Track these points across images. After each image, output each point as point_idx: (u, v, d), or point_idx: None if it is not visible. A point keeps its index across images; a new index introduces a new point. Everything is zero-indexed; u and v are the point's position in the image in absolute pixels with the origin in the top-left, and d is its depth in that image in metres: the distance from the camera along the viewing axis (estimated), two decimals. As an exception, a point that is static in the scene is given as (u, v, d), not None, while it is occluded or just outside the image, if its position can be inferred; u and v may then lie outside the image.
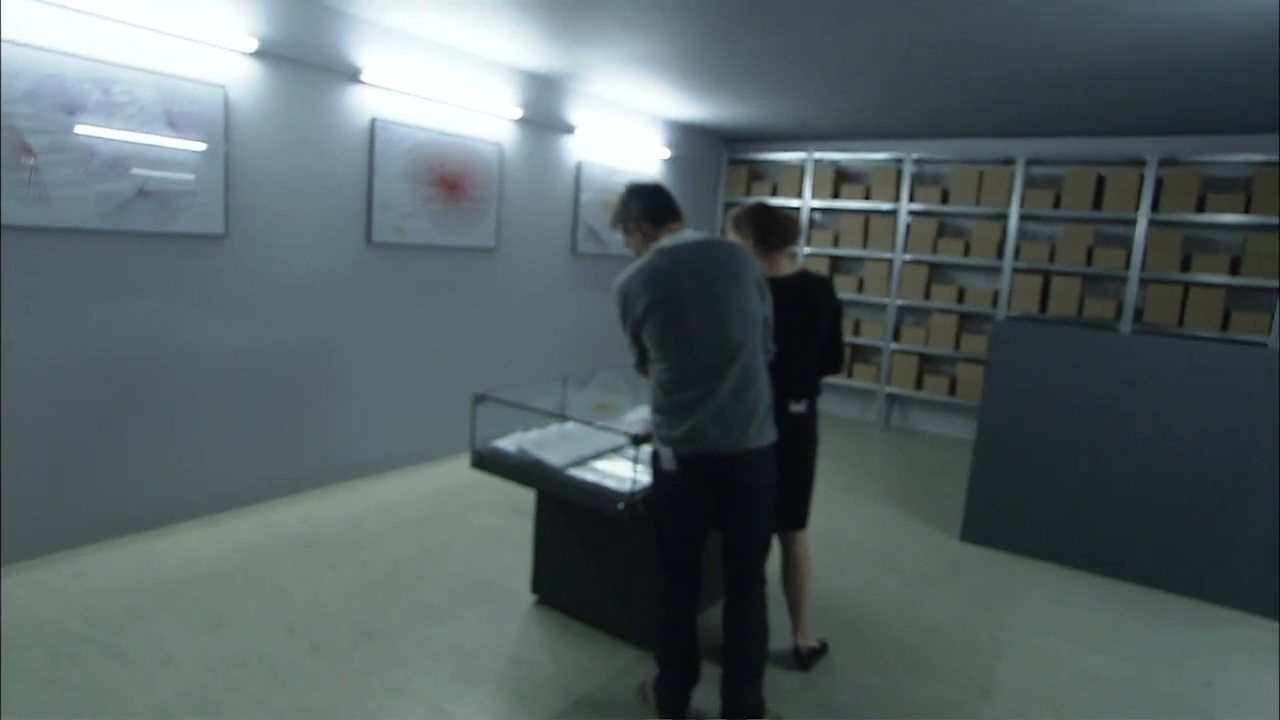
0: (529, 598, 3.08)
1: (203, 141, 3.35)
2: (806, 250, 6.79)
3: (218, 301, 3.53)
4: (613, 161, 5.78)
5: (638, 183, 2.33)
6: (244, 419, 3.73)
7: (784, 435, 2.33)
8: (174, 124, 3.26)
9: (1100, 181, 5.63)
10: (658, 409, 2.18)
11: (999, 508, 4.01)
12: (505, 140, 4.86)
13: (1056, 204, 5.78)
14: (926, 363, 6.54)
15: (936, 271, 6.45)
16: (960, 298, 6.20)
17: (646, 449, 2.41)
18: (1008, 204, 5.91)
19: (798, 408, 2.59)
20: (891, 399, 6.72)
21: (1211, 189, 5.41)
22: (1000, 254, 5.99)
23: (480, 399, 2.79)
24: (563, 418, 3.05)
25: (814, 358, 2.63)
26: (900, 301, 6.41)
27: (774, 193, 7.00)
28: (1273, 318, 5.19)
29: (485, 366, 4.99)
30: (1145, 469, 3.65)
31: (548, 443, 2.82)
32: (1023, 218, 5.93)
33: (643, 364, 2.28)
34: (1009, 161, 5.94)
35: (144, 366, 3.33)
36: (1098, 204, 5.63)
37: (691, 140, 6.64)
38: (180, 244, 3.36)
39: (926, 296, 6.32)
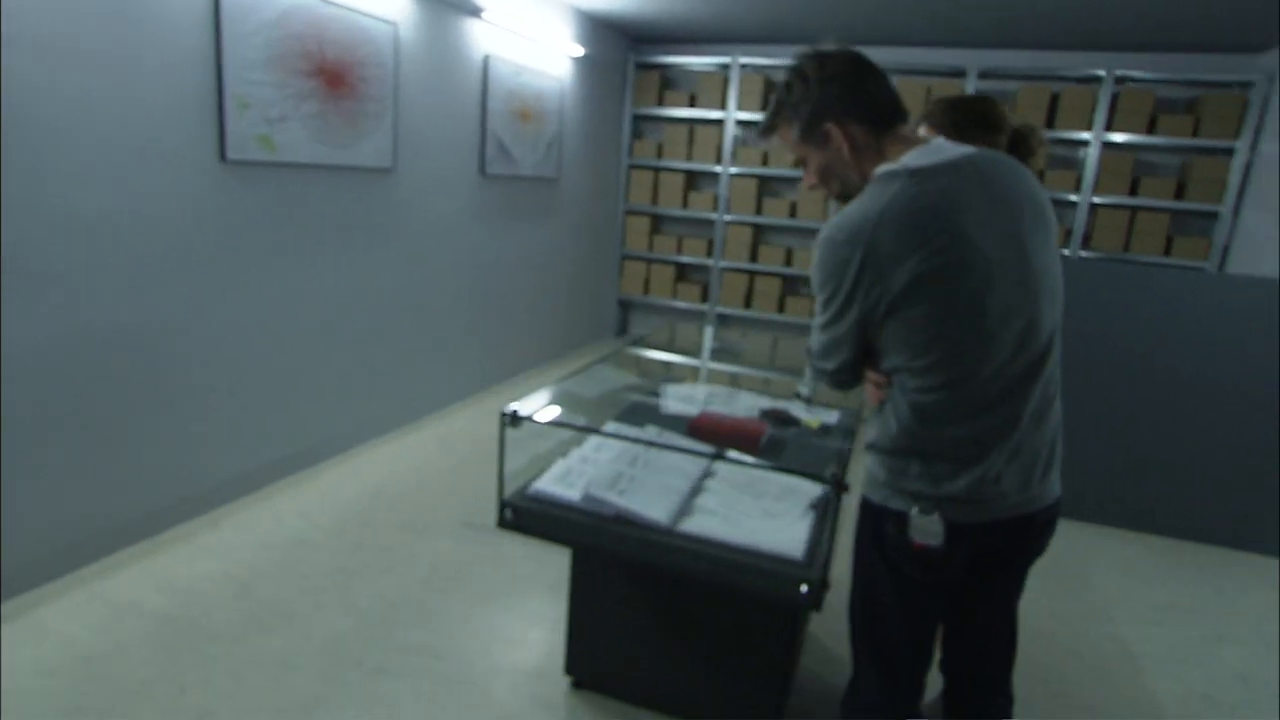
0: (561, 682, 2.17)
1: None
2: (732, 170, 6.00)
3: (-12, 257, 2.15)
4: (521, 57, 4.59)
5: (825, 51, 1.35)
6: (40, 452, 2.40)
7: None
8: None
9: (1054, 99, 5.25)
10: (904, 449, 1.32)
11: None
12: (401, 19, 3.57)
13: (1008, 120, 5.34)
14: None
15: (876, 194, 5.91)
16: (902, 223, 5.70)
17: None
18: (956, 119, 5.40)
19: None
20: (824, 335, 6.20)
21: (1162, 110, 5.19)
22: (946, 175, 5.51)
23: (514, 420, 1.76)
24: (644, 443, 2.06)
25: None
26: (836, 228, 5.81)
27: (692, 103, 6.07)
28: (1211, 242, 5.13)
29: (384, 327, 3.80)
30: (1169, 406, 3.37)
31: (623, 478, 1.87)
32: (972, 135, 5.46)
33: (854, 372, 1.39)
34: (960, 73, 5.41)
35: None
36: (1051, 122, 5.27)
37: (596, 38, 5.52)
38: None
39: (865, 222, 5.76)
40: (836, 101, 1.31)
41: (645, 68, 6.17)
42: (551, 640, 2.32)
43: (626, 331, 6.82)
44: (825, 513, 1.81)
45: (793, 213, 5.96)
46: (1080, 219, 5.26)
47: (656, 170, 6.20)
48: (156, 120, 2.56)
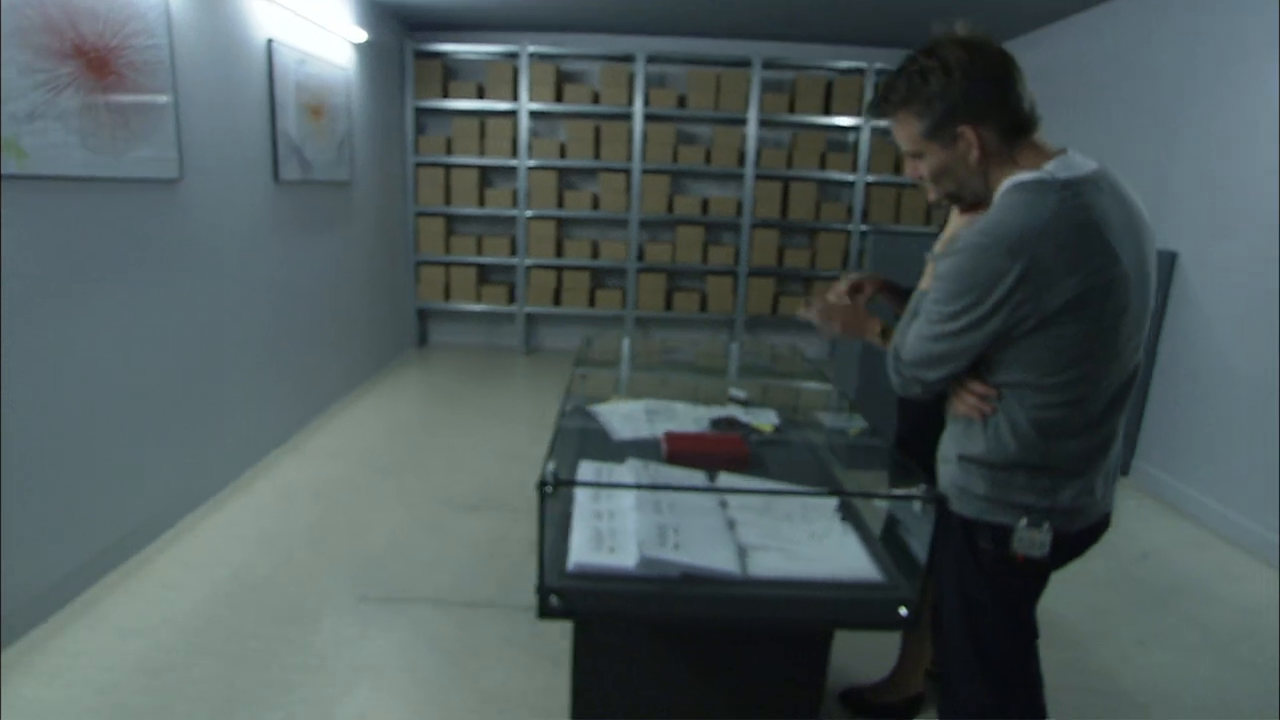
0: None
1: None
2: (530, 163, 5.72)
3: None
4: (305, 43, 3.93)
5: (976, 43, 1.23)
6: None
7: None
8: None
9: (829, 87, 5.68)
10: (1016, 463, 1.29)
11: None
12: (170, -11, 2.84)
13: (791, 108, 5.70)
14: (674, 279, 6.15)
15: (678, 181, 6.00)
16: (704, 208, 5.86)
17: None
18: (745, 108, 5.65)
19: None
20: (639, 322, 6.21)
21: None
22: (741, 161, 5.75)
23: (553, 486, 1.43)
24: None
25: None
26: (643, 215, 5.82)
27: (480, 95, 5.68)
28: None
29: (183, 373, 3.07)
30: None
31: (667, 530, 1.61)
32: (761, 123, 5.75)
33: (947, 383, 1.33)
34: (746, 63, 5.63)
35: None
36: (828, 109, 5.70)
37: (371, 22, 4.93)
38: None
39: (670, 209, 5.83)
40: (980, 103, 1.21)
41: (425, 56, 5.64)
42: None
43: (427, 342, 6.28)
44: (858, 523, 1.74)
45: (595, 205, 5.86)
46: (859, 197, 5.78)
47: (447, 167, 5.73)
48: None
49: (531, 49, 5.51)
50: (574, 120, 5.71)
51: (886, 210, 5.84)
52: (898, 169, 5.81)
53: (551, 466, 1.46)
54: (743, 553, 1.60)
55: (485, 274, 6.09)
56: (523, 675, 2.20)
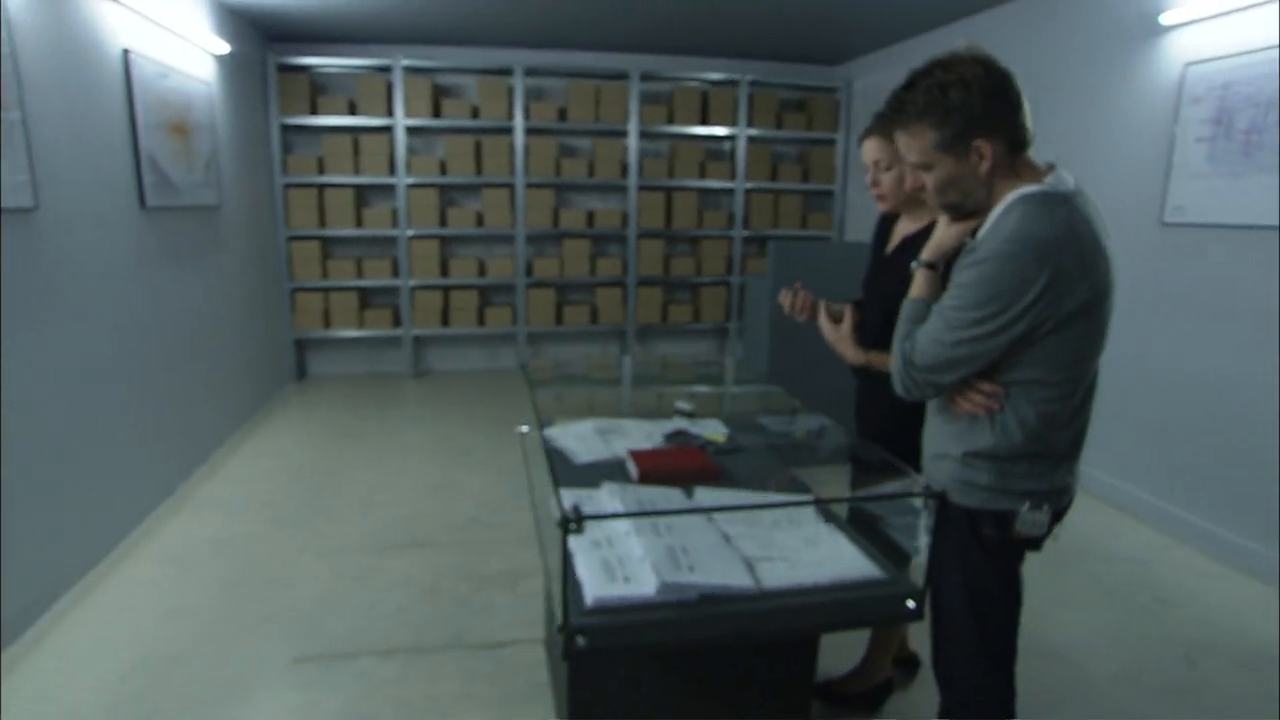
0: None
1: None
2: (409, 181, 5.48)
3: None
4: (164, 54, 3.57)
5: (987, 61, 1.29)
6: None
7: None
8: None
9: (705, 98, 5.83)
10: (1021, 453, 1.38)
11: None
12: (14, -5, 2.49)
13: (670, 119, 5.80)
14: (563, 293, 6.08)
15: (562, 194, 5.95)
16: (590, 221, 5.84)
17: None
18: (625, 120, 5.69)
19: None
20: (531, 338, 6.09)
21: (784, 109, 6.11)
22: (624, 173, 5.79)
23: (575, 523, 1.34)
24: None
25: None
26: (529, 230, 5.72)
27: (352, 110, 5.38)
28: (832, 216, 6.25)
29: (53, 431, 2.71)
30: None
31: (676, 550, 1.57)
32: (642, 134, 5.81)
33: (957, 383, 1.39)
34: (624, 76, 5.67)
35: None
36: (705, 119, 5.85)
37: (231, 33, 4.55)
38: None
39: (555, 223, 5.77)
40: (994, 118, 1.28)
41: (290, 70, 5.27)
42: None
43: (306, 375, 5.86)
44: (840, 524, 1.78)
45: (480, 221, 5.70)
46: (739, 203, 5.97)
47: (320, 187, 5.39)
48: None
49: (405, 62, 5.29)
50: (453, 135, 5.53)
51: (765, 216, 6.07)
52: (774, 176, 6.05)
53: (570, 501, 1.39)
54: (750, 566, 1.60)
55: (367, 298, 5.78)
56: (496, 713, 2.09)
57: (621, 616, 1.44)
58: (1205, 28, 3.12)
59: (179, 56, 3.74)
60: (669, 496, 1.85)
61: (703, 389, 3.19)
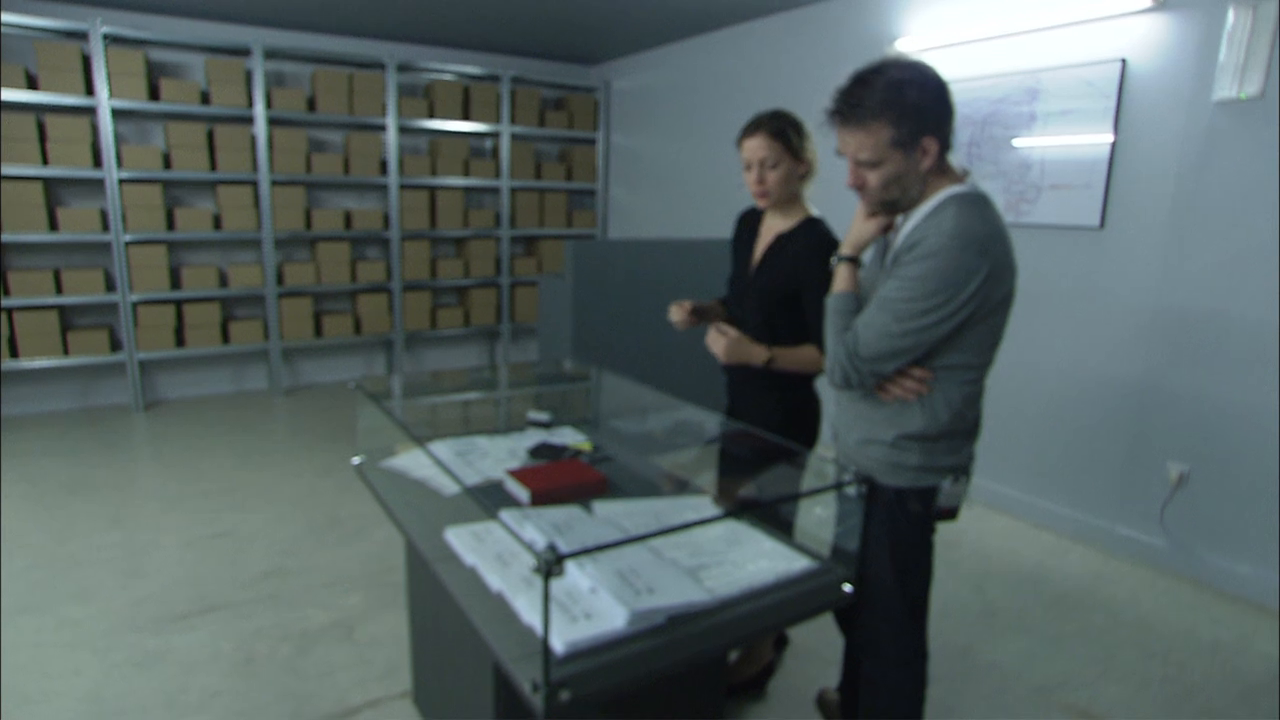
0: None
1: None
2: (122, 175, 4.60)
3: None
4: None
5: (917, 63, 1.37)
6: None
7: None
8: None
9: (466, 93, 5.61)
10: (947, 432, 1.53)
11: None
12: None
13: (430, 113, 5.50)
14: (321, 302, 5.53)
15: (314, 193, 5.38)
16: (348, 222, 5.37)
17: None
18: (383, 113, 5.30)
19: None
20: (286, 354, 5.46)
21: (546, 107, 6.08)
22: (384, 170, 5.40)
23: (556, 565, 1.22)
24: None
25: None
26: (277, 234, 5.11)
27: (32, 85, 4.37)
28: (596, 214, 6.39)
29: None
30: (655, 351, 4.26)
31: (632, 574, 1.49)
32: (401, 129, 5.44)
33: (892, 371, 1.49)
34: (380, 65, 5.25)
35: None
36: (467, 115, 5.63)
37: None
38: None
39: (308, 225, 5.23)
40: (940, 117, 1.37)
41: (-67, 31, 4.14)
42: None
43: (-14, 415, 4.71)
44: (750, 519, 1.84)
45: (217, 224, 4.99)
46: (505, 202, 5.86)
47: (-9, 182, 4.33)
48: None
49: (106, 29, 4.41)
50: (178, 123, 4.75)
51: (531, 215, 6.03)
52: (539, 174, 6.02)
53: (543, 542, 1.28)
54: (695, 577, 1.60)
55: (71, 317, 4.78)
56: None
57: (599, 657, 1.37)
58: (932, 57, 3.68)
59: None
60: (573, 516, 1.78)
61: (537, 389, 3.09)
